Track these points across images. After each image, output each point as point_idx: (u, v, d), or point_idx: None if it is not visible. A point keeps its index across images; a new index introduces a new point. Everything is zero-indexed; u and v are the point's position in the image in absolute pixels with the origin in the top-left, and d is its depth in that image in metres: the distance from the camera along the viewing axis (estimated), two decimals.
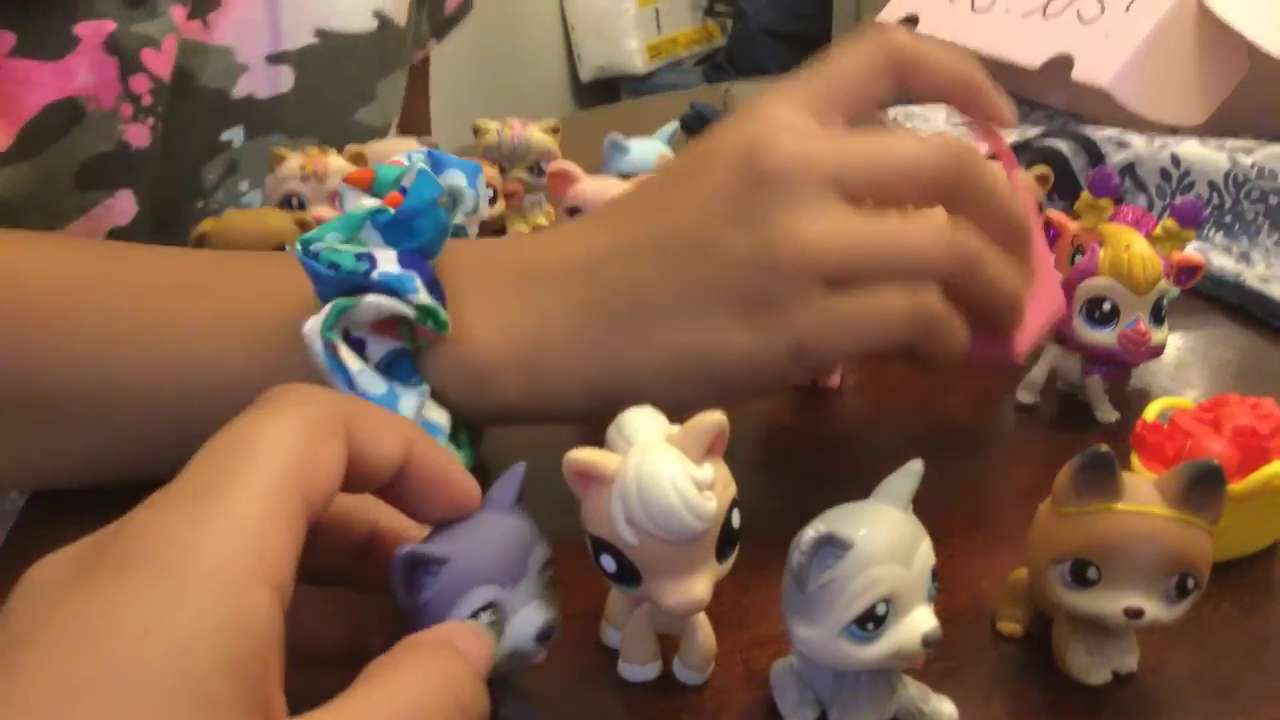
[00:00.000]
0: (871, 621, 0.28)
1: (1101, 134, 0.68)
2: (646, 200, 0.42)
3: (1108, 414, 0.47)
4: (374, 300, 0.36)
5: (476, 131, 0.66)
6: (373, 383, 0.36)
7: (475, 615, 0.27)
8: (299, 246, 0.36)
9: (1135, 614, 0.30)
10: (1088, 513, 0.31)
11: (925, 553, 0.29)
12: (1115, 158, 0.67)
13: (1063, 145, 0.67)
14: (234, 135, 0.64)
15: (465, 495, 0.28)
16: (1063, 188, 0.66)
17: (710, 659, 0.33)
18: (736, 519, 0.30)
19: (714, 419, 0.29)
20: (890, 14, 1.06)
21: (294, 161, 0.57)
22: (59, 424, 0.41)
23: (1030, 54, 0.88)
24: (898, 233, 0.37)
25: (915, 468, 0.31)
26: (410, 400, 0.37)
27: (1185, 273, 0.49)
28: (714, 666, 0.33)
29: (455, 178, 0.42)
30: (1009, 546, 0.39)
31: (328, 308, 0.35)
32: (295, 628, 0.22)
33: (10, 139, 0.50)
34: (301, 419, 0.24)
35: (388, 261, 0.37)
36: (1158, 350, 0.45)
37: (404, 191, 0.38)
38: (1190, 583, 0.31)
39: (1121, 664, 0.33)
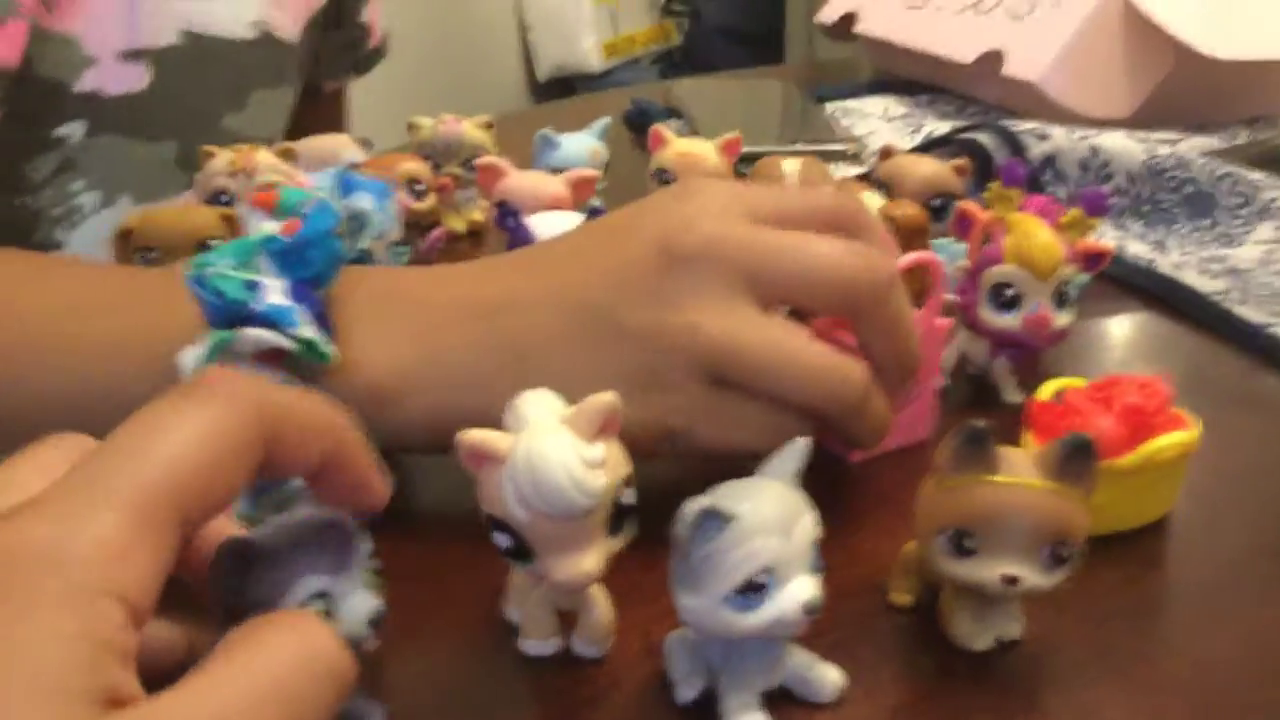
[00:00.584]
0: (753, 591, 0.29)
1: (1022, 127, 0.70)
2: (562, 255, 0.42)
3: (1013, 395, 0.49)
4: (253, 334, 0.36)
5: (411, 128, 0.67)
6: None
7: (305, 603, 0.27)
8: (191, 270, 0.37)
9: (1011, 581, 0.32)
10: (965, 484, 0.32)
11: (807, 525, 0.30)
12: (1036, 150, 0.69)
13: (985, 138, 0.69)
14: (72, 130, 0.60)
15: (374, 500, 0.29)
16: (984, 178, 0.67)
17: (608, 634, 0.34)
18: (630, 496, 0.31)
19: (605, 400, 0.30)
20: (829, 13, 1.08)
21: (223, 158, 0.57)
22: None
23: (963, 49, 0.89)
24: (791, 356, 0.37)
25: (800, 445, 0.32)
26: None
27: (1092, 259, 0.51)
28: (613, 641, 0.34)
29: (363, 200, 0.42)
30: (912, 523, 0.41)
31: (207, 340, 0.36)
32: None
33: None
34: (219, 418, 0.24)
35: (275, 292, 0.37)
36: (1061, 334, 0.47)
37: (303, 218, 0.39)
38: (1065, 551, 0.32)
39: (1006, 631, 0.35)
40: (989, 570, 0.32)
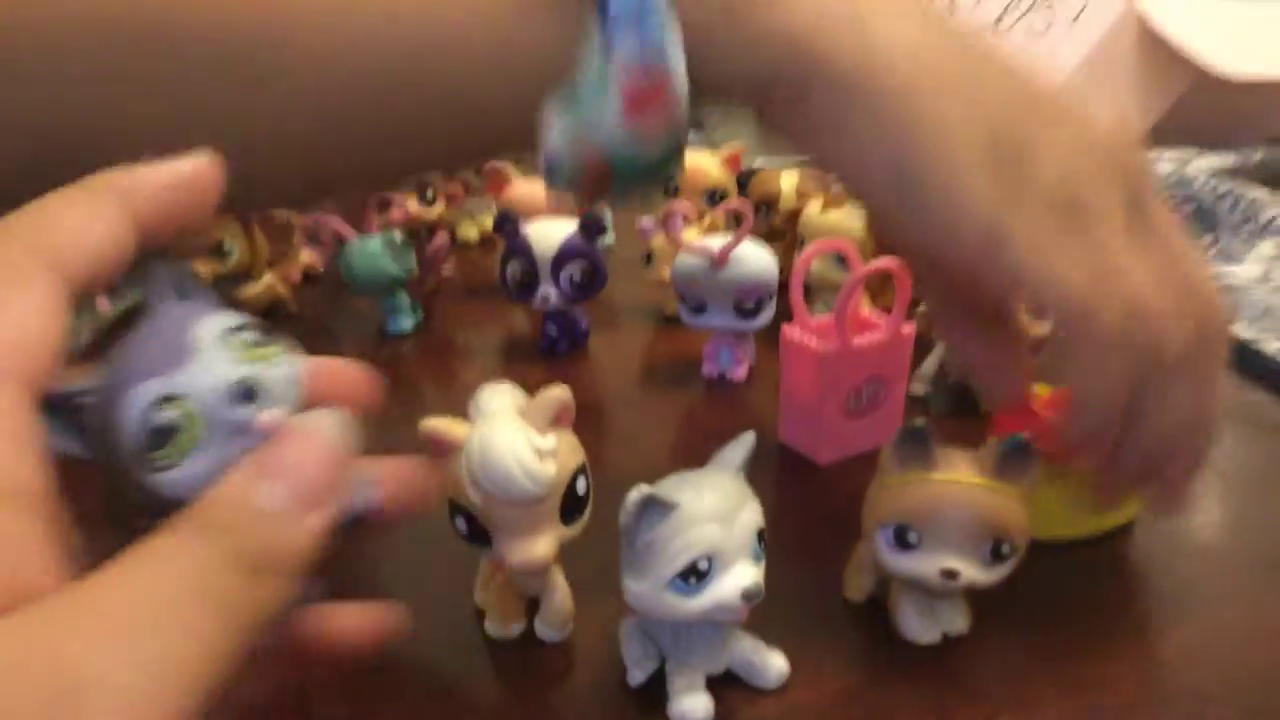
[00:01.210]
0: (694, 576, 0.31)
1: None
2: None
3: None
4: None
5: None
6: None
7: (151, 415, 0.22)
8: None
9: (951, 575, 0.33)
10: (907, 482, 0.34)
11: (750, 514, 0.32)
12: None
13: None
14: None
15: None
16: None
17: (568, 618, 0.36)
18: (582, 486, 0.33)
19: (557, 394, 0.32)
20: None
21: None
22: (268, 78, 0.32)
23: None
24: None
25: (746, 438, 0.33)
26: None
27: None
28: (572, 626, 0.36)
29: None
30: None
31: None
32: None
33: None
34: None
35: None
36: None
37: None
38: (1005, 548, 0.33)
39: (952, 625, 0.36)
40: (929, 564, 0.33)
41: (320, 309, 0.64)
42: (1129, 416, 0.33)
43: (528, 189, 0.59)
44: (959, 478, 0.33)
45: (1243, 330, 0.56)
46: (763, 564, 0.32)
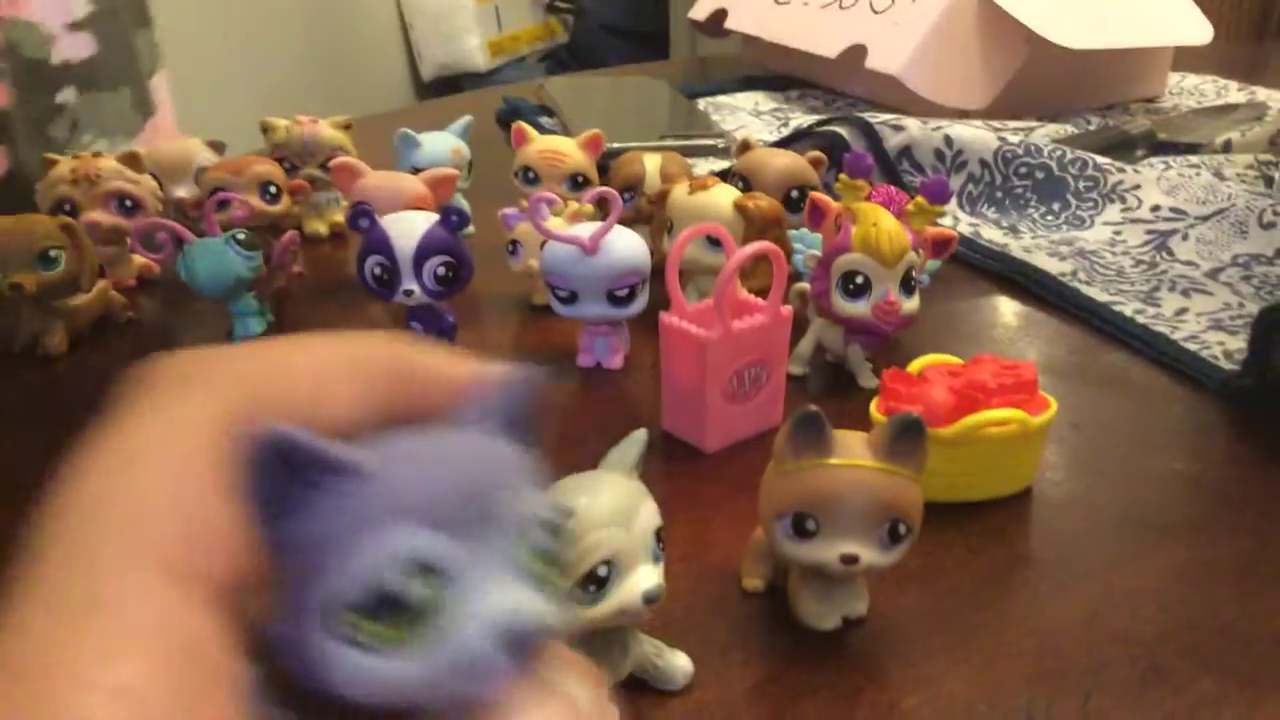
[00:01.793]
0: (594, 583, 0.29)
1: (879, 119, 0.71)
2: None
3: (868, 380, 0.50)
4: None
5: (265, 129, 0.65)
6: None
7: (392, 573, 0.16)
8: None
9: (851, 560, 0.32)
10: (803, 469, 0.33)
11: (647, 515, 0.31)
12: (892, 140, 0.70)
13: (844, 130, 0.70)
14: (68, 96, 0.75)
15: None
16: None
17: None
18: None
19: None
20: (700, 10, 1.09)
21: (64, 166, 0.55)
22: None
23: (828, 44, 0.91)
24: None
25: (639, 436, 0.32)
26: None
27: (939, 245, 0.52)
28: None
29: None
30: None
31: None
32: None
33: None
34: (185, 437, 0.16)
35: None
36: (908, 320, 0.48)
37: None
38: (902, 528, 0.33)
39: (851, 609, 0.35)
40: (828, 551, 0.33)
41: (160, 315, 0.60)
42: None
43: (380, 181, 0.56)
44: (854, 461, 0.32)
45: (1098, 293, 0.58)
46: (662, 564, 0.31)
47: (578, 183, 0.63)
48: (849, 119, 0.72)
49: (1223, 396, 0.49)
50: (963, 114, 0.84)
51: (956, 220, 0.68)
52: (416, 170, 0.61)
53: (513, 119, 0.91)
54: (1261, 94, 0.96)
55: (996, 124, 0.75)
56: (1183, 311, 0.56)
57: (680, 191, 0.54)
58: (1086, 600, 0.37)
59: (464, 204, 0.65)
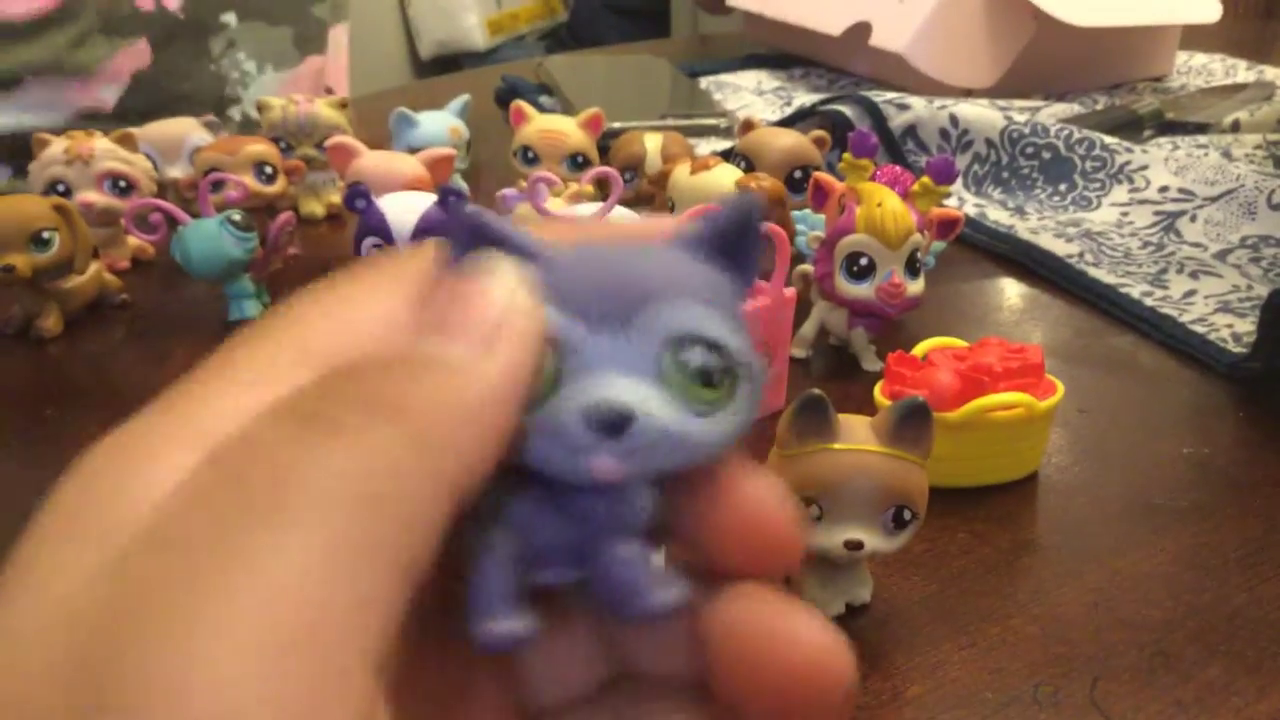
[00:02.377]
0: None
1: (883, 97, 0.70)
2: None
3: (872, 363, 0.50)
4: None
5: (260, 108, 0.64)
6: None
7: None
8: None
9: (855, 546, 0.32)
10: (807, 453, 0.32)
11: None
12: (897, 120, 0.69)
13: (848, 109, 0.69)
14: (229, 19, 0.91)
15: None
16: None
17: None
18: None
19: None
20: None
21: (58, 145, 0.55)
22: None
23: (832, 22, 0.90)
24: None
25: None
26: None
27: (945, 226, 0.51)
28: None
29: None
30: None
31: None
32: None
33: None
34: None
35: None
36: (913, 302, 0.48)
37: None
38: (907, 514, 0.32)
39: (855, 595, 0.35)
40: (833, 536, 0.32)
41: (154, 297, 0.59)
42: None
43: (377, 161, 0.55)
44: (859, 446, 0.32)
45: (1105, 275, 0.57)
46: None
47: (577, 163, 0.62)
48: (853, 98, 0.71)
49: (1231, 379, 0.49)
50: (968, 93, 0.83)
51: (962, 201, 0.67)
52: (414, 150, 0.60)
53: (512, 98, 0.90)
54: (1270, 73, 0.95)
55: (1003, 103, 0.74)
56: (1191, 294, 0.55)
57: (682, 172, 0.54)
58: (1093, 586, 0.36)
59: (462, 184, 0.65)
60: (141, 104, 0.87)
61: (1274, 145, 0.70)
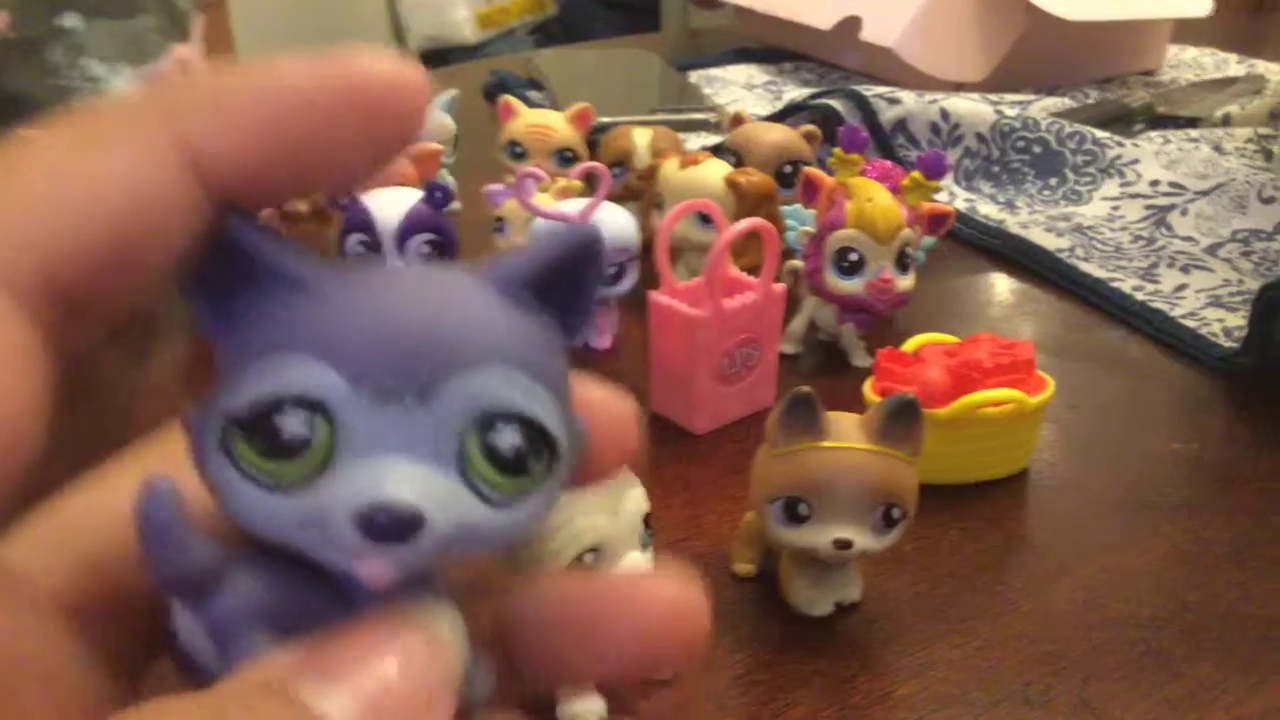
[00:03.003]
0: None
1: (874, 91, 0.70)
2: None
3: (862, 359, 0.49)
4: None
5: None
6: None
7: (272, 400, 0.14)
8: None
9: (844, 545, 0.32)
10: (795, 451, 0.32)
11: (635, 500, 0.30)
12: (887, 114, 0.69)
13: (837, 103, 0.69)
14: (73, 22, 0.74)
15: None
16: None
17: None
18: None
19: None
20: None
21: None
22: None
23: (823, 16, 0.90)
24: None
25: None
26: None
27: (935, 221, 0.51)
28: None
29: None
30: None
31: None
32: None
33: None
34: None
35: None
36: (903, 297, 0.47)
37: None
38: (896, 512, 0.32)
39: (844, 595, 0.35)
40: (822, 535, 0.32)
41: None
42: None
43: None
44: (848, 444, 0.32)
45: (1096, 270, 0.57)
46: (650, 551, 0.30)
47: (566, 158, 0.61)
48: (843, 92, 0.71)
49: (1221, 374, 0.49)
50: (958, 87, 0.83)
51: (952, 196, 0.67)
52: None
53: (500, 93, 0.90)
54: (1260, 66, 0.95)
55: (993, 97, 0.74)
56: (1182, 288, 0.55)
57: (670, 167, 0.53)
58: (1083, 583, 0.36)
59: (449, 180, 0.64)
60: None
61: (1265, 139, 0.70)
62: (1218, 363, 0.49)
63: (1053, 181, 0.67)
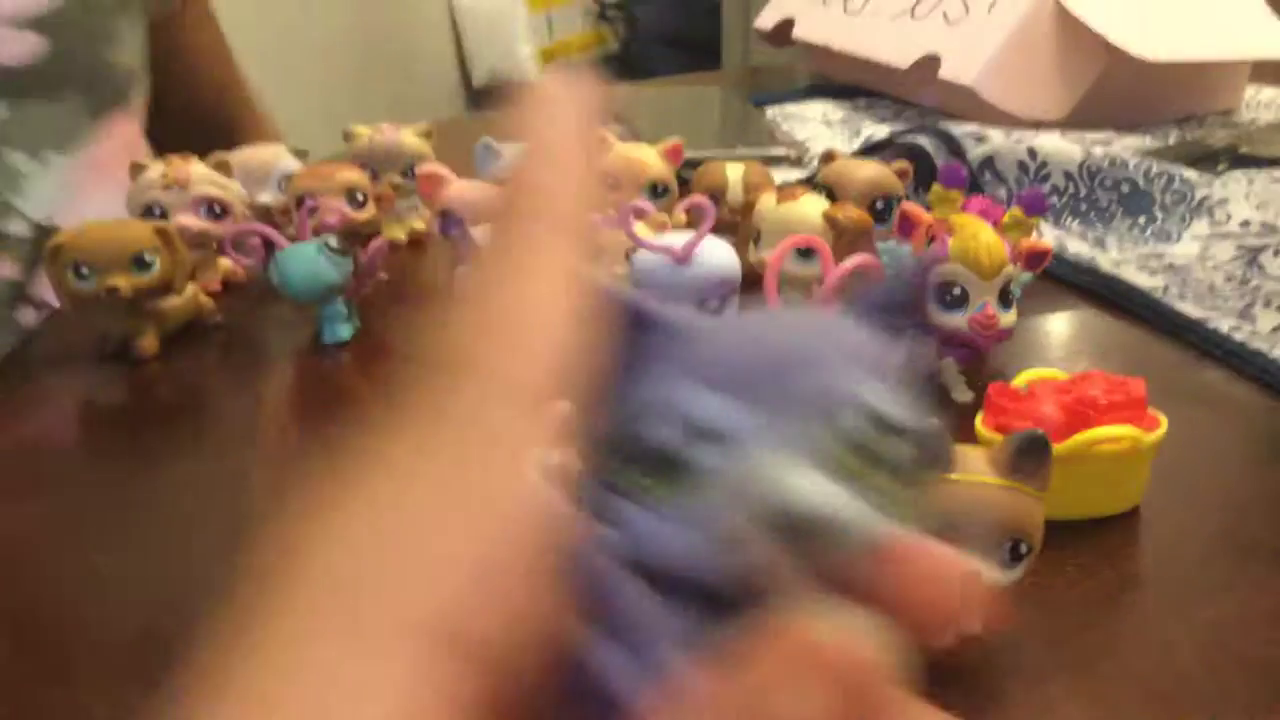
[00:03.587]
0: None
1: (962, 129, 0.71)
2: None
3: (962, 394, 0.49)
4: None
5: (347, 137, 0.66)
6: None
7: (663, 430, 0.15)
8: None
9: None
10: None
11: None
12: (975, 151, 0.69)
13: (925, 141, 0.70)
14: None
15: None
16: (925, 181, 0.68)
17: None
18: None
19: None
20: (766, 19, 1.09)
21: (155, 170, 0.56)
22: None
23: (900, 54, 0.90)
24: None
25: None
26: None
27: (1034, 258, 0.51)
28: None
29: None
30: None
31: None
32: None
33: None
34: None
35: None
36: (1006, 333, 0.47)
37: None
38: (1023, 547, 0.32)
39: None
40: None
41: (246, 319, 0.60)
42: None
43: (467, 189, 0.56)
44: (977, 478, 0.32)
45: (1191, 309, 0.57)
46: None
47: (657, 191, 0.62)
48: (930, 129, 0.71)
49: None
50: (1038, 125, 0.83)
51: (1040, 233, 0.67)
52: (498, 181, 0.61)
53: None
54: None
55: (1075, 136, 0.74)
56: (1279, 329, 0.55)
57: (768, 201, 0.54)
58: (1202, 623, 0.36)
59: None
60: None
61: None
62: None
63: (1141, 220, 0.67)
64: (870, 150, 0.72)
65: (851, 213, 0.52)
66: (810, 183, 0.61)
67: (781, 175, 0.78)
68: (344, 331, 0.54)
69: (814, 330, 0.16)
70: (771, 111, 0.96)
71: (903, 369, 0.17)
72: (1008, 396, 0.41)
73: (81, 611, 0.39)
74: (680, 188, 0.64)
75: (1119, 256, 0.64)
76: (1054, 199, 0.69)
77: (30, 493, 0.46)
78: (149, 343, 0.54)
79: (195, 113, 0.87)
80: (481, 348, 0.16)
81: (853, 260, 0.42)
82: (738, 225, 0.58)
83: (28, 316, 0.65)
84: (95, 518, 0.43)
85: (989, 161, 0.69)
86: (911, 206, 0.52)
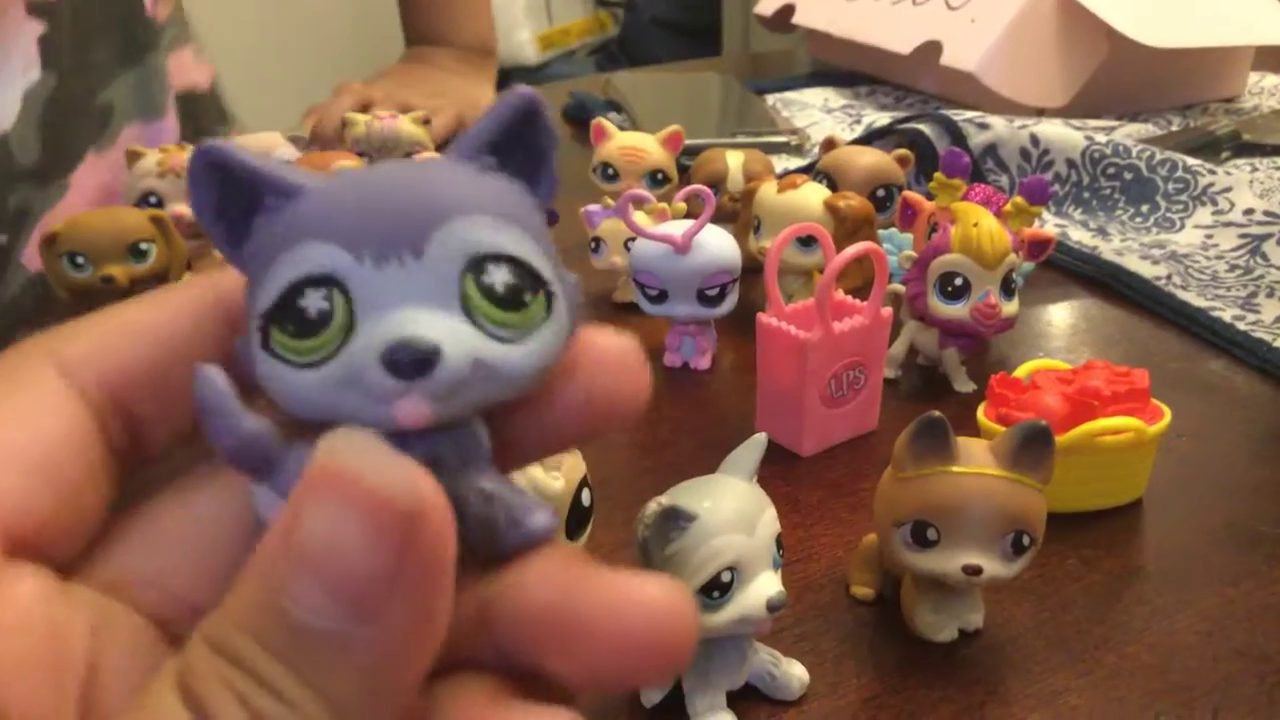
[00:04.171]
0: (717, 589, 0.29)
1: (963, 116, 0.70)
2: None
3: (964, 385, 0.49)
4: None
5: (344, 124, 0.65)
6: None
7: (291, 286, 0.16)
8: None
9: (974, 571, 0.32)
10: (924, 476, 0.32)
11: (769, 522, 0.30)
12: (977, 139, 0.69)
13: (926, 128, 0.69)
14: None
15: None
16: (927, 168, 0.68)
17: None
18: (588, 498, 0.31)
19: None
20: (767, 5, 1.08)
21: (151, 158, 0.56)
22: None
23: (902, 41, 0.90)
24: None
25: (759, 440, 0.31)
26: None
27: (1036, 247, 0.51)
28: None
29: None
30: (867, 514, 0.41)
31: None
32: None
33: None
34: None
35: None
36: (1008, 323, 0.47)
37: None
38: (1026, 539, 0.32)
39: (967, 621, 0.35)
40: (951, 561, 0.32)
41: None
42: None
43: None
44: (979, 470, 0.32)
45: (1194, 298, 0.56)
46: (780, 570, 0.30)
47: (657, 180, 0.62)
48: (932, 116, 0.71)
49: None
50: (1040, 112, 0.83)
51: (1042, 222, 0.67)
52: None
53: (580, 114, 0.91)
54: None
55: (1077, 123, 0.74)
56: None
57: (768, 190, 0.54)
58: (1206, 614, 0.36)
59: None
60: None
61: None
62: None
63: (1144, 209, 0.67)
64: (871, 138, 0.72)
65: (852, 201, 0.52)
66: (811, 170, 0.60)
67: (782, 163, 0.78)
68: None
69: (436, 179, 0.17)
70: (771, 98, 0.95)
71: (525, 205, 0.17)
72: (1010, 387, 0.40)
73: None
74: (680, 175, 0.63)
75: (1121, 245, 0.64)
76: (1056, 187, 0.69)
77: None
78: None
79: None
80: None
81: (855, 248, 0.41)
82: (738, 213, 0.57)
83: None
84: None
85: (991, 149, 0.69)
86: (913, 195, 0.52)
